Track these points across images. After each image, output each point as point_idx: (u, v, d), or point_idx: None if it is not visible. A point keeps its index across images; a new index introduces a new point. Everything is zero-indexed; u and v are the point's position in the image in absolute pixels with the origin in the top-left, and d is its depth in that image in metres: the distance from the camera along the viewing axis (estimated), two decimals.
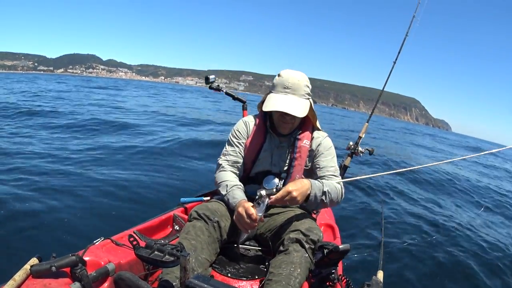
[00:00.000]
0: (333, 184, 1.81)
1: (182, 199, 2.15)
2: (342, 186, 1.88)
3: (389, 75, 3.43)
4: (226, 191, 1.79)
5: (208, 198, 2.05)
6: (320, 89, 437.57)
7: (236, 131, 1.99)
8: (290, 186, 1.63)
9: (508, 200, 7.60)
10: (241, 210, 1.61)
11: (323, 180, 1.81)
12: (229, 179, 1.85)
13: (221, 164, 1.94)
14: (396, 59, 3.38)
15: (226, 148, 1.99)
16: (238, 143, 1.96)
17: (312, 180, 1.74)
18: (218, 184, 1.87)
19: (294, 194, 1.61)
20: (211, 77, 2.56)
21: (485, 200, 7.14)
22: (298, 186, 1.64)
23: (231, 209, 1.77)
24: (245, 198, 1.74)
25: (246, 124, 2.00)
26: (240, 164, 1.95)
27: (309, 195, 1.69)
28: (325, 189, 1.74)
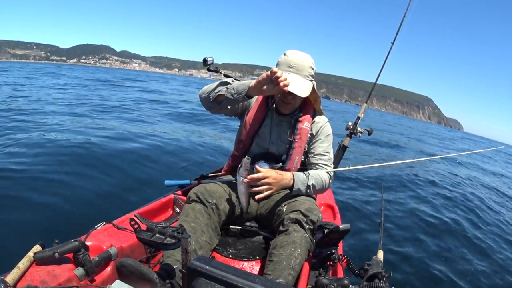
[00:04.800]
0: (320, 175, 1.83)
1: (167, 182, 2.13)
2: (331, 176, 1.91)
3: (387, 56, 3.41)
4: (228, 84, 1.76)
5: (195, 181, 2.04)
6: (334, 85, 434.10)
7: None
8: (271, 172, 1.67)
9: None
10: (261, 78, 1.62)
11: (310, 172, 1.83)
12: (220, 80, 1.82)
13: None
14: (394, 40, 3.35)
15: None
16: None
17: (297, 175, 1.77)
18: (208, 88, 1.83)
19: (269, 180, 1.65)
20: (209, 58, 2.52)
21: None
22: (278, 177, 1.69)
23: (230, 190, 1.78)
24: None
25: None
26: None
27: (291, 188, 1.75)
28: (310, 183, 1.78)
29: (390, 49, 3.38)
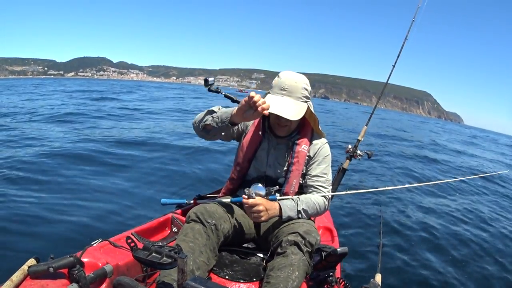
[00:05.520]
0: (313, 199, 1.83)
1: (163, 200, 2.14)
2: (328, 198, 1.91)
3: (388, 78, 3.44)
4: (214, 112, 1.77)
5: (191, 201, 2.04)
6: (332, 85, 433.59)
7: None
8: (262, 200, 1.68)
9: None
10: (241, 104, 1.61)
11: (301, 196, 1.83)
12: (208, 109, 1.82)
13: None
14: (395, 63, 3.38)
15: None
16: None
17: (284, 204, 1.76)
18: (199, 118, 1.83)
19: (260, 208, 1.66)
20: (210, 79, 2.54)
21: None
22: (268, 207, 1.69)
23: (229, 212, 1.78)
24: None
25: None
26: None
27: (280, 217, 1.75)
28: (300, 208, 1.78)
29: (391, 72, 3.41)
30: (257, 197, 1.69)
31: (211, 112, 1.79)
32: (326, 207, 1.90)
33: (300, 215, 1.77)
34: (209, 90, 2.65)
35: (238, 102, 2.83)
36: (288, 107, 1.72)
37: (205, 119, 1.79)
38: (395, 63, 3.38)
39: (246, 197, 1.68)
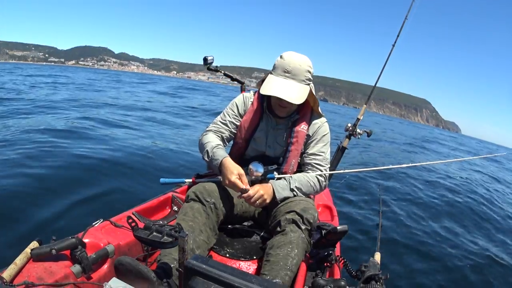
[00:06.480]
0: (306, 177, 1.83)
1: (162, 180, 2.15)
2: (325, 176, 1.90)
3: (388, 57, 3.41)
4: (208, 156, 1.79)
5: (191, 180, 2.05)
6: (332, 88, 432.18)
7: (234, 104, 1.97)
8: (258, 186, 1.69)
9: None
10: (229, 175, 1.65)
11: (293, 175, 1.83)
12: (209, 140, 1.85)
13: (205, 130, 1.95)
14: (395, 42, 3.35)
15: (218, 117, 1.98)
16: (231, 115, 1.95)
17: (276, 183, 1.77)
18: (201, 150, 1.87)
19: (261, 192, 1.66)
20: (210, 58, 2.50)
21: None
22: (266, 188, 1.70)
23: (228, 190, 1.78)
24: (227, 156, 1.75)
25: (246, 99, 1.96)
26: (226, 135, 1.93)
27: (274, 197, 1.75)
28: (293, 186, 1.78)
29: (391, 51, 3.38)
30: (249, 186, 1.68)
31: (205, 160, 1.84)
32: (323, 185, 1.89)
33: (294, 193, 1.78)
34: (208, 68, 2.62)
35: (237, 80, 2.82)
36: (292, 90, 1.70)
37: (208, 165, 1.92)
38: (395, 42, 3.35)
39: (240, 194, 1.67)
